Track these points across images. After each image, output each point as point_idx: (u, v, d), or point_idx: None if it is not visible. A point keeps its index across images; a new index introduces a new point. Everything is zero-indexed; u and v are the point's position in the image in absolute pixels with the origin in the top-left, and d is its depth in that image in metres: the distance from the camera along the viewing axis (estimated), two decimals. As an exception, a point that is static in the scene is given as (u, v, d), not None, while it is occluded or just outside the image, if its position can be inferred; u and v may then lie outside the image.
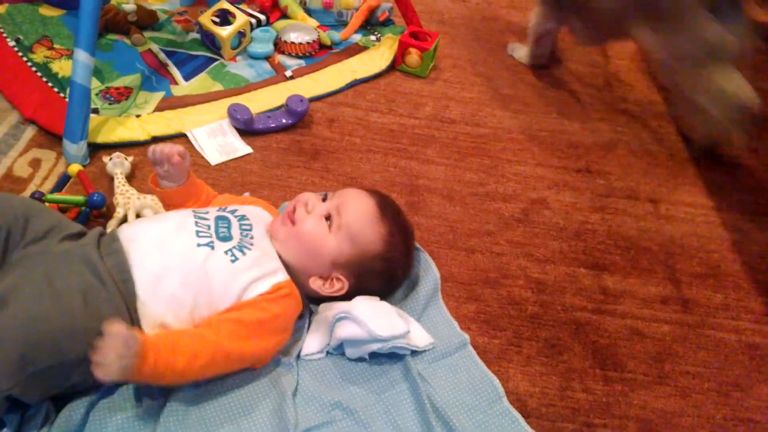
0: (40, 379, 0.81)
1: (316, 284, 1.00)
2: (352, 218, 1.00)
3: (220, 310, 0.90)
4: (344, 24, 1.75)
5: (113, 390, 0.89)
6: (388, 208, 1.04)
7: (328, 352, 1.00)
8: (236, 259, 0.93)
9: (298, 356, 0.99)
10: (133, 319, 0.87)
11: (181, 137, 1.35)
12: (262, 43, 1.61)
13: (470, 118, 1.55)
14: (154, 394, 0.89)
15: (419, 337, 1.03)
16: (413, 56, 1.62)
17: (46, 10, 1.63)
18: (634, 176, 1.46)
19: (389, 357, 1.00)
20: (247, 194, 1.19)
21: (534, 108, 1.62)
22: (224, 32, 1.54)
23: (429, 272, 1.13)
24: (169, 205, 1.07)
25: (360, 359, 1.00)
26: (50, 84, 1.40)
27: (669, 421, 0.99)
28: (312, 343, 1.00)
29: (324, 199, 1.04)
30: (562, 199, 1.36)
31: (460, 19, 1.95)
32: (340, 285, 1.00)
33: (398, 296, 1.09)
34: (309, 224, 0.99)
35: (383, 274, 1.03)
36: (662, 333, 1.12)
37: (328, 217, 1.00)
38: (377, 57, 1.65)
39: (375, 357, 0.99)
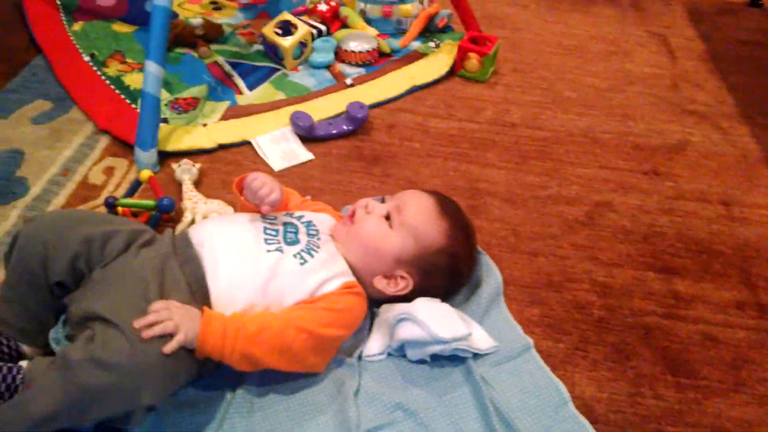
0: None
1: (380, 283, 1.00)
2: (413, 214, 1.00)
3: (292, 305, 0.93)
4: (403, 32, 1.77)
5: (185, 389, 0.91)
6: (448, 205, 1.04)
7: (389, 354, 1.00)
8: (305, 261, 0.94)
9: (360, 357, 0.99)
10: None
11: (245, 145, 1.38)
12: (323, 53, 1.64)
13: (531, 121, 1.53)
14: (221, 391, 0.91)
15: (481, 339, 1.01)
16: (473, 61, 1.62)
17: (118, 27, 1.71)
18: (705, 178, 1.41)
19: (451, 359, 0.99)
20: (308, 197, 1.20)
21: (597, 110, 1.59)
22: (286, 42, 1.58)
23: (491, 275, 1.12)
24: (244, 208, 1.06)
25: (421, 361, 0.99)
26: (123, 96, 1.47)
27: (746, 430, 0.94)
28: (373, 344, 1.01)
29: (383, 201, 1.06)
30: (628, 201, 1.32)
31: (520, 23, 1.93)
32: (405, 283, 1.00)
33: (459, 299, 1.08)
34: (369, 223, 1.00)
35: (448, 270, 1.02)
36: (738, 339, 1.07)
37: (387, 217, 1.01)
38: (436, 63, 1.65)
39: (436, 359, 0.99)
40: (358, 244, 1.00)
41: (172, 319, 0.80)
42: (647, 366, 1.02)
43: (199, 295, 0.89)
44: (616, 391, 0.98)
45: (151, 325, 0.79)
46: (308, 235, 0.99)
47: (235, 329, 0.84)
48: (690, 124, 1.57)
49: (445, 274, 1.03)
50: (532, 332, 1.05)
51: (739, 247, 1.24)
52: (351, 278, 0.98)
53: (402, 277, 1.00)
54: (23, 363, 0.82)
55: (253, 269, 0.92)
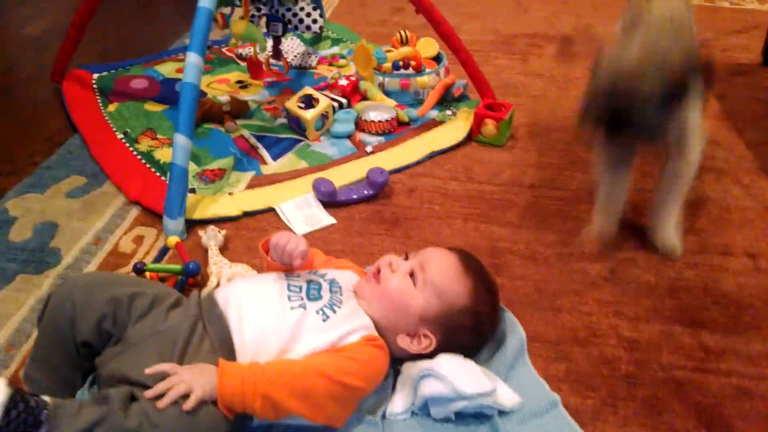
0: None
1: (404, 342, 1.00)
2: (437, 273, 1.01)
3: None
4: (421, 102, 1.83)
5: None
6: (470, 263, 1.05)
7: (413, 412, 0.99)
8: (327, 317, 0.95)
9: (384, 416, 0.98)
10: None
11: (270, 211, 1.42)
12: (343, 124, 1.70)
13: (550, 182, 1.55)
14: None
15: (506, 396, 0.99)
16: (489, 126, 1.66)
17: (150, 106, 1.81)
18: (729, 232, 1.40)
19: (476, 417, 0.97)
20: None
21: (616, 170, 1.60)
22: (308, 115, 1.64)
23: (514, 332, 1.11)
24: (271, 269, 1.08)
25: (446, 419, 0.97)
26: (153, 169, 1.53)
27: (789, 487, 0.90)
28: (397, 402, 0.99)
29: (406, 258, 1.06)
30: (651, 257, 1.32)
31: (534, 91, 1.99)
32: (428, 342, 1.00)
33: (483, 356, 1.07)
34: (394, 281, 1.01)
35: (471, 329, 1.02)
36: (774, 392, 1.03)
37: (412, 274, 1.02)
38: (454, 129, 1.70)
39: (461, 417, 0.97)
40: (382, 301, 1.01)
41: (183, 380, 0.82)
42: (680, 421, 0.98)
43: (224, 353, 0.90)
44: (648, 447, 0.95)
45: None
46: (331, 291, 1.01)
47: (253, 374, 0.84)
48: (710, 180, 1.57)
49: (469, 333, 1.02)
50: (559, 389, 1.03)
51: (769, 299, 1.22)
52: (374, 332, 0.98)
53: (425, 336, 1.00)
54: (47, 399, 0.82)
55: (276, 325, 0.93)
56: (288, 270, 1.06)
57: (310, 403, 0.87)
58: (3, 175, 1.56)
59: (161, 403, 0.80)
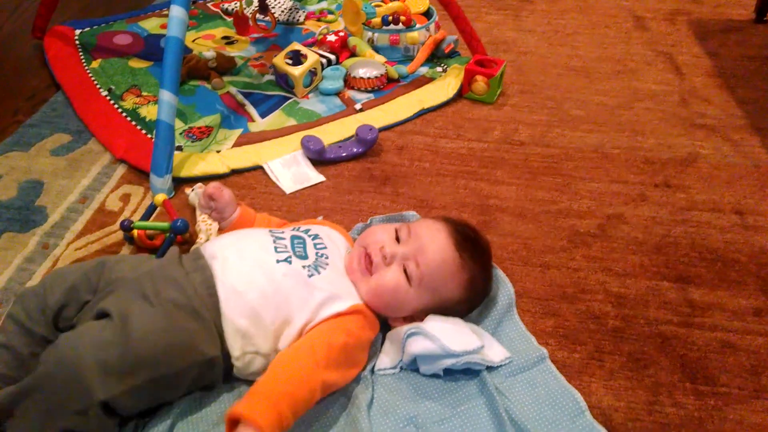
0: (136, 391, 0.84)
1: (396, 323, 1.01)
2: (433, 270, 0.97)
3: (298, 325, 0.92)
4: (411, 58, 1.80)
5: (198, 404, 0.92)
6: (467, 247, 1.00)
7: (401, 368, 1.00)
8: (312, 275, 0.95)
9: (372, 370, 0.98)
10: (219, 330, 0.89)
11: (257, 169, 1.41)
12: (332, 80, 1.68)
13: (540, 139, 1.54)
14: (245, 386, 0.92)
15: (494, 352, 1.01)
16: (480, 83, 1.64)
17: (135, 63, 1.77)
18: (717, 189, 1.40)
19: (464, 372, 0.98)
20: (320, 218, 1.22)
21: (606, 127, 1.60)
22: (297, 71, 1.61)
23: (503, 288, 1.12)
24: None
25: (435, 375, 0.98)
26: (139, 127, 1.51)
27: (770, 437, 0.92)
28: (385, 358, 1.00)
29: (397, 239, 1.01)
30: (640, 213, 1.32)
31: (526, 47, 1.96)
32: (420, 321, 1.00)
33: (472, 313, 1.08)
34: (388, 278, 0.97)
35: (465, 309, 1.04)
36: (757, 345, 1.05)
37: (405, 269, 0.98)
38: (444, 86, 1.68)
39: (450, 372, 0.98)
40: (375, 295, 0.98)
41: None
42: (665, 374, 1.00)
43: (208, 301, 0.90)
44: (634, 399, 0.96)
45: None
46: (316, 249, 1.00)
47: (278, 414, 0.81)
48: (700, 137, 1.57)
49: (462, 311, 1.04)
50: (547, 343, 1.04)
51: (755, 254, 1.23)
52: (360, 300, 0.97)
53: (419, 318, 1.00)
54: None
55: (261, 275, 0.93)
56: (273, 225, 1.07)
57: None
58: (-15, 134, 1.53)
59: None
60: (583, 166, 1.46)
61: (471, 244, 1.02)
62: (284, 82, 1.67)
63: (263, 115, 1.58)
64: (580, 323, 1.08)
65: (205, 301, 0.90)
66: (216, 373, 0.91)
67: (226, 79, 1.71)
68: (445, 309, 1.00)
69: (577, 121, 1.61)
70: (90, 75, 1.71)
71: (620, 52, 1.96)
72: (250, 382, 0.94)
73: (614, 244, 1.25)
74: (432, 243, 0.99)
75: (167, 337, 0.85)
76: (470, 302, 1.04)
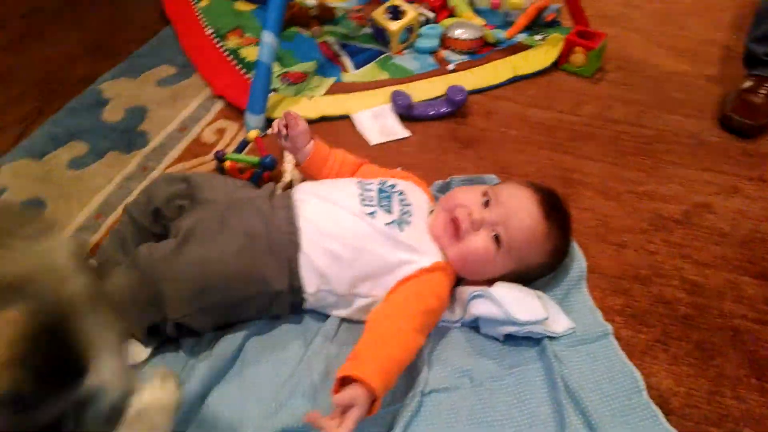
0: (207, 312, 0.91)
1: (474, 285, 1.02)
2: (521, 238, 0.97)
3: (378, 277, 0.95)
4: (510, 24, 1.77)
5: (270, 325, 0.98)
6: (554, 216, 1.00)
7: (462, 324, 1.02)
8: (395, 231, 0.97)
9: (435, 321, 1.01)
10: (291, 270, 0.94)
11: (345, 118, 1.44)
12: (428, 39, 1.68)
13: (634, 119, 1.50)
14: (302, 335, 0.97)
15: (558, 322, 1.01)
16: (578, 55, 1.60)
17: (240, 5, 1.83)
18: (819, 190, 1.32)
19: (525, 337, 0.99)
20: (399, 168, 1.24)
21: (707, 114, 1.53)
22: (394, 26, 1.63)
23: (575, 260, 1.11)
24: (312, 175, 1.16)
25: (494, 337, 1.00)
26: (239, 67, 1.57)
27: (836, 444, 0.89)
28: (447, 313, 1.01)
29: (485, 203, 1.00)
30: (729, 205, 1.27)
31: (632, 23, 1.89)
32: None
33: (542, 279, 1.08)
34: (477, 246, 0.98)
35: (541, 276, 1.06)
36: (837, 353, 1.01)
37: (495, 236, 0.98)
38: (541, 55, 1.65)
39: (510, 336, 0.99)
40: (460, 259, 0.99)
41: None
42: (731, 367, 0.98)
43: (287, 238, 0.94)
44: (695, 387, 0.95)
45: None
46: (401, 205, 1.02)
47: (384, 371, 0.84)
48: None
49: (537, 277, 1.06)
50: (613, 320, 1.03)
51: None
52: (442, 257, 0.99)
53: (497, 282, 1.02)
54: None
55: (346, 223, 0.96)
56: (335, 169, 1.12)
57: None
58: (100, 59, 1.63)
59: (345, 426, 0.77)
60: (675, 150, 1.41)
61: (558, 213, 1.02)
62: (381, 36, 1.69)
63: (357, 67, 1.61)
64: (650, 305, 1.07)
65: (283, 238, 0.94)
66: (283, 306, 0.96)
67: (325, 28, 1.74)
68: (525, 275, 1.02)
69: (676, 105, 1.55)
70: (198, 13, 1.79)
71: (733, 38, 1.85)
72: (316, 314, 0.99)
73: (697, 232, 1.21)
74: (521, 211, 0.99)
75: (239, 265, 0.91)
76: (549, 268, 1.05)
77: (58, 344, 0.50)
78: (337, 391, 0.81)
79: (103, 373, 0.53)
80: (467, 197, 1.02)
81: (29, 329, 0.48)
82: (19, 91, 1.52)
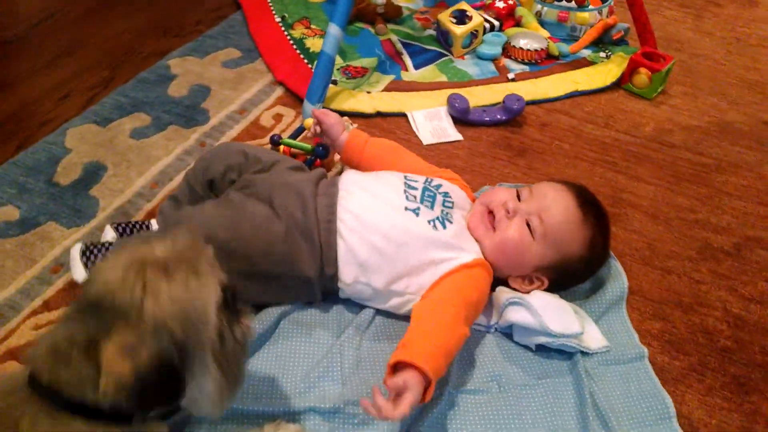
0: (235, 279, 0.92)
1: (515, 283, 1.03)
2: (556, 224, 0.99)
3: (417, 274, 0.96)
4: (576, 39, 1.76)
5: (304, 310, 1.00)
6: (588, 205, 1.03)
7: (496, 329, 1.02)
8: (437, 229, 0.98)
9: (469, 324, 1.01)
10: (325, 257, 0.95)
11: (401, 116, 1.46)
12: (491, 46, 1.68)
13: (694, 145, 1.47)
14: (343, 315, 1.00)
15: (593, 338, 1.00)
16: (642, 76, 1.58)
17: (311, -4, 1.87)
18: None
19: (557, 350, 0.99)
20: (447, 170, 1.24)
21: (770, 149, 1.49)
22: (459, 30, 1.63)
23: (617, 280, 1.10)
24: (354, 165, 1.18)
25: (526, 346, 1.00)
26: (302, 56, 1.60)
27: None
28: (481, 316, 1.02)
29: (518, 197, 1.04)
30: (784, 242, 1.24)
31: (700, 49, 1.85)
32: (540, 283, 1.02)
33: (581, 295, 1.07)
34: (512, 233, 1.00)
35: (583, 272, 1.05)
36: None
37: (529, 224, 1.00)
38: (603, 72, 1.63)
39: (542, 346, 0.99)
40: (497, 249, 1.00)
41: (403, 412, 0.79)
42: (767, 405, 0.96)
43: (325, 226, 0.95)
44: (727, 420, 0.93)
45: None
46: (443, 205, 1.03)
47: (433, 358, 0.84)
48: None
49: (579, 275, 1.05)
50: (649, 344, 1.02)
51: None
52: (481, 256, 1.00)
53: (537, 278, 1.02)
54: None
55: (387, 216, 0.97)
56: (407, 171, 1.11)
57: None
58: (170, 36, 1.69)
59: (398, 412, 0.78)
60: (733, 182, 1.37)
61: (592, 204, 1.04)
62: (444, 39, 1.69)
63: (417, 67, 1.62)
64: (690, 334, 1.05)
65: (321, 225, 0.96)
66: (313, 292, 0.98)
67: (390, 27, 1.76)
68: (566, 269, 1.01)
69: (739, 136, 1.52)
70: (268, 1, 1.83)
71: (807, 74, 1.80)
72: (351, 304, 1.01)
73: (746, 266, 1.18)
74: (555, 200, 1.01)
75: (268, 239, 0.93)
76: (589, 264, 1.04)
77: (168, 375, 0.60)
78: (389, 378, 0.82)
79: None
80: (502, 193, 1.05)
81: (153, 364, 0.58)
82: (90, 61, 1.59)
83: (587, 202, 1.04)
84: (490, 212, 1.03)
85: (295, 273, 0.95)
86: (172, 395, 0.63)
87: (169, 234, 0.66)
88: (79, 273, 0.99)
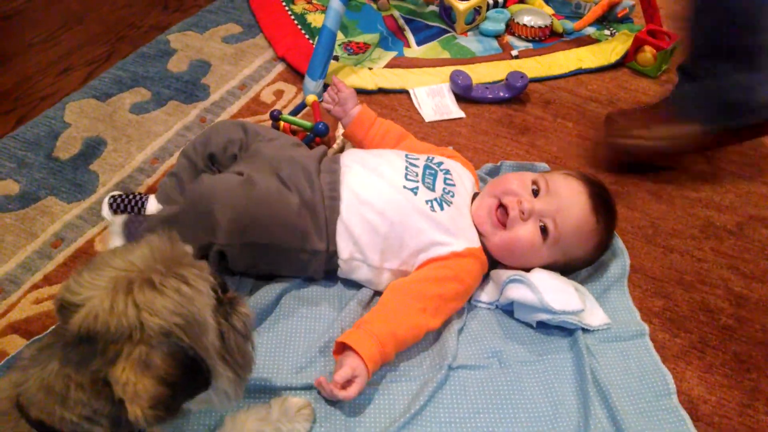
0: (249, 250, 0.92)
1: (512, 270, 1.02)
2: (570, 230, 0.98)
3: (408, 253, 0.96)
4: (580, 16, 1.74)
5: (306, 285, 1.00)
6: (603, 212, 1.00)
7: (496, 306, 1.02)
8: (434, 210, 0.97)
9: (469, 300, 1.01)
10: (328, 234, 0.95)
11: (403, 93, 1.45)
12: (494, 22, 1.66)
13: (697, 124, 1.46)
14: (344, 291, 1.00)
15: (594, 315, 1.00)
16: (647, 54, 1.56)
17: (312, -29, 1.84)
18: None
19: (558, 327, 0.99)
20: (450, 148, 1.23)
21: (774, 127, 1.47)
22: (462, 6, 1.61)
23: (619, 258, 1.10)
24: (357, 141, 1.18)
25: (527, 322, 1.00)
26: (303, 31, 1.58)
27: None
28: (482, 293, 1.02)
29: (535, 192, 1.00)
30: (787, 221, 1.23)
31: (707, 27, 1.82)
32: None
33: (583, 273, 1.07)
34: (524, 236, 0.97)
35: (583, 267, 1.06)
36: None
37: (542, 226, 0.97)
38: (607, 50, 1.61)
39: (543, 323, 0.99)
40: (505, 249, 0.99)
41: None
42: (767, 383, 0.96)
43: (328, 203, 0.96)
44: (726, 397, 0.93)
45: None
46: (445, 184, 1.02)
47: (380, 342, 0.86)
48: None
49: (579, 269, 1.06)
50: (650, 322, 1.02)
51: None
52: (477, 244, 0.99)
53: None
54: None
55: (386, 194, 0.97)
56: (408, 149, 1.10)
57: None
58: (170, 11, 1.67)
59: (351, 392, 0.83)
60: (737, 161, 1.36)
61: (606, 209, 1.01)
62: (447, 15, 1.67)
63: (420, 43, 1.60)
64: (691, 312, 1.05)
65: (324, 201, 0.96)
66: (318, 267, 0.98)
67: (392, 2, 1.74)
68: (565, 266, 1.01)
69: (743, 115, 1.50)
70: (269, -25, 1.80)
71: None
72: (349, 282, 1.01)
73: (749, 245, 1.18)
74: (572, 205, 0.98)
75: (283, 213, 0.92)
76: (589, 262, 1.05)
77: (190, 367, 0.61)
78: (337, 352, 0.87)
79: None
80: (516, 184, 1.01)
81: (170, 363, 0.59)
82: (90, 35, 1.57)
83: (603, 205, 1.01)
84: (501, 205, 1.00)
85: (306, 247, 0.95)
86: (201, 384, 0.63)
87: (143, 241, 0.64)
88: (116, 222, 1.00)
